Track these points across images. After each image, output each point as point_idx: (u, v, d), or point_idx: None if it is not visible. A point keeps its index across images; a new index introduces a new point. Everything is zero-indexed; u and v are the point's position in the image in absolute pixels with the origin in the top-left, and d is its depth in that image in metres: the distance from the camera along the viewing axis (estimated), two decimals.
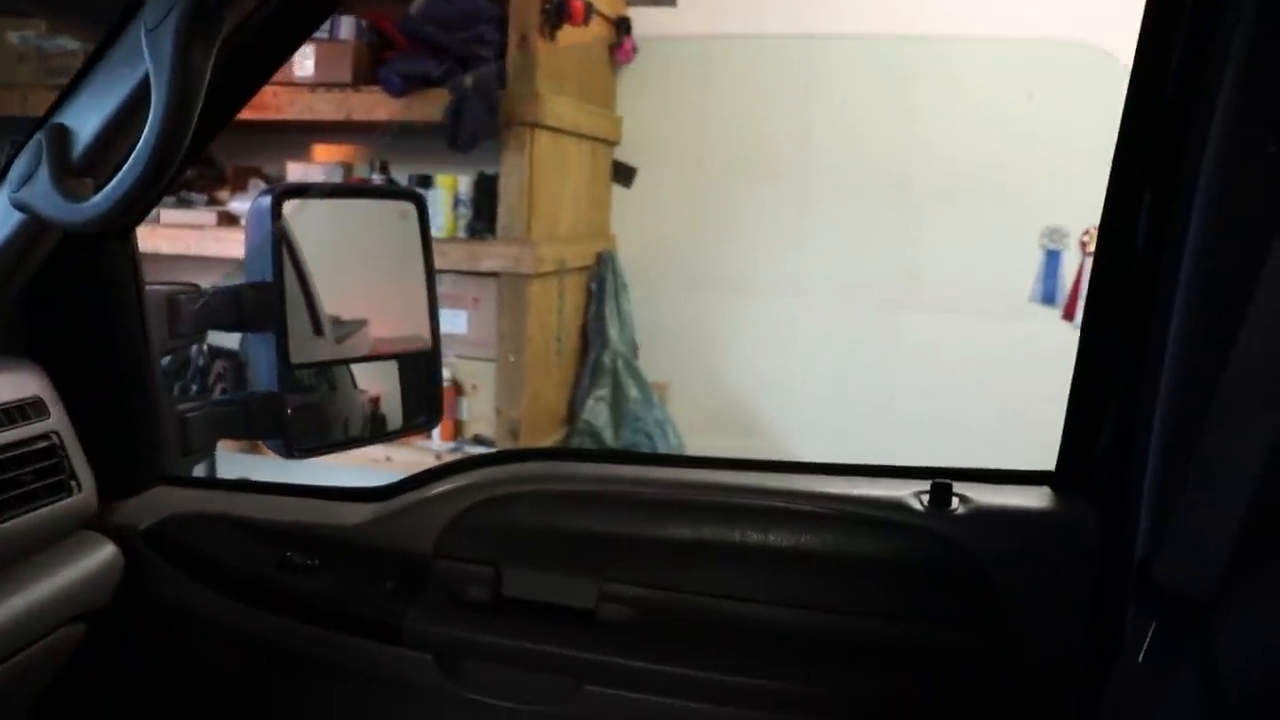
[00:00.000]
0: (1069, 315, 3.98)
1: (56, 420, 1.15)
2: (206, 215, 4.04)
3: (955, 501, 1.20)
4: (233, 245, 3.88)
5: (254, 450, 3.69)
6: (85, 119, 1.03)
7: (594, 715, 1.20)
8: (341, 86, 3.72)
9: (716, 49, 4.21)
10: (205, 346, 4.02)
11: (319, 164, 4.05)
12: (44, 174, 0.97)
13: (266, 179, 4.19)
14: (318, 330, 1.32)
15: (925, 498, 1.21)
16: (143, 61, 0.86)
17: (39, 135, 1.00)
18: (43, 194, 0.96)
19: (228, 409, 1.33)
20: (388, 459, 3.64)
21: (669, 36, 4.26)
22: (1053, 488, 1.23)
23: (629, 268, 4.27)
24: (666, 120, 4.32)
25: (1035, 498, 1.22)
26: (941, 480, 1.21)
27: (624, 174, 4.39)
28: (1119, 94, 1.11)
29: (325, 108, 3.74)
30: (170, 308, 1.27)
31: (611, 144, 4.36)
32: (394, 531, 1.29)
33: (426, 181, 3.76)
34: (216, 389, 3.68)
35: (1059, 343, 3.79)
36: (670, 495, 1.26)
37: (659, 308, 4.29)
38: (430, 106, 3.59)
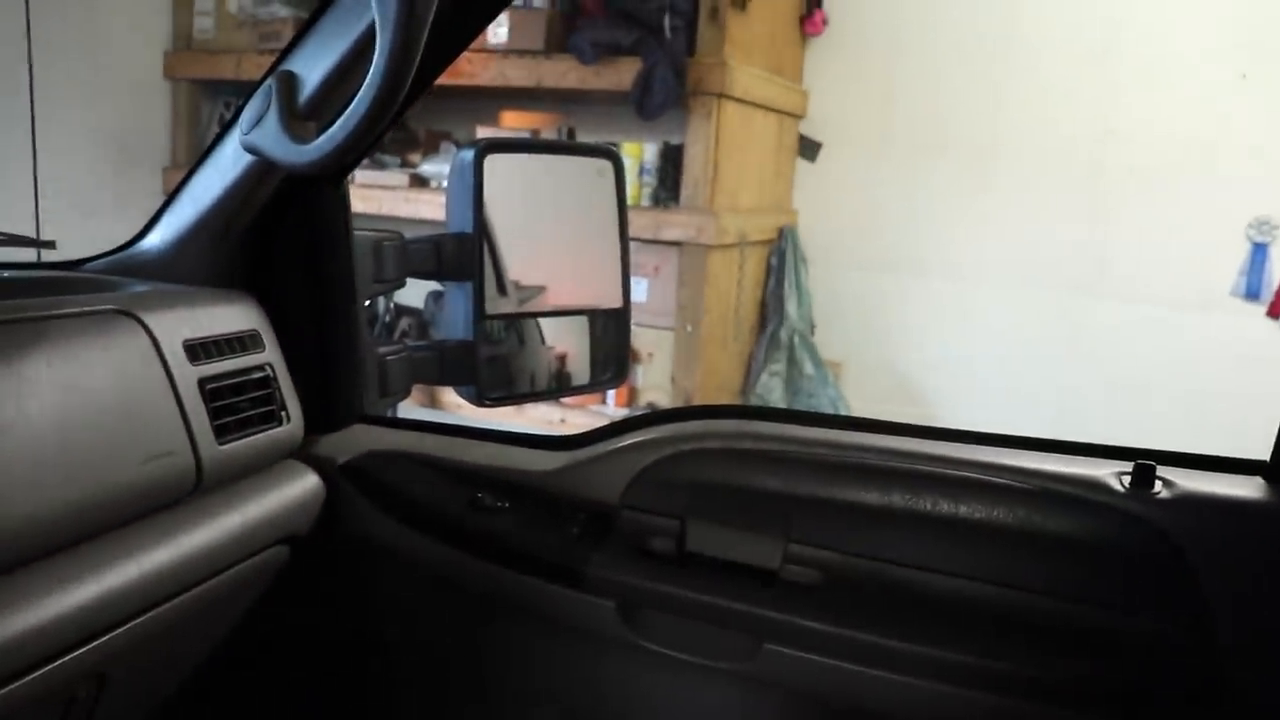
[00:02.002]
0: (1275, 313, 3.76)
1: (271, 353, 1.21)
2: (399, 177, 4.18)
3: (1159, 485, 1.16)
4: (423, 206, 4.00)
5: (433, 405, 3.81)
6: (312, 65, 1.08)
7: (772, 674, 1.20)
8: (533, 53, 3.79)
9: (908, 24, 4.12)
10: (392, 303, 4.17)
11: (508, 130, 4.13)
12: (272, 117, 1.02)
13: (457, 143, 4.30)
14: (502, 290, 1.35)
15: (1126, 478, 1.17)
16: (368, 10, 0.89)
17: (270, 80, 1.05)
18: (271, 136, 1.01)
19: (425, 354, 1.37)
20: (562, 421, 3.72)
21: (860, 9, 4.19)
22: (1266, 478, 1.17)
23: (808, 244, 4.23)
24: (854, 95, 4.26)
25: (1247, 487, 1.16)
26: (1144, 461, 1.16)
27: (809, 148, 4.34)
28: None
29: (516, 74, 3.82)
30: (376, 252, 1.32)
31: (797, 117, 4.31)
32: (582, 480, 1.31)
33: None
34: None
35: (1261, 341, 3.62)
36: (859, 460, 1.24)
37: (837, 286, 4.24)
38: (619, 75, 3.62)
